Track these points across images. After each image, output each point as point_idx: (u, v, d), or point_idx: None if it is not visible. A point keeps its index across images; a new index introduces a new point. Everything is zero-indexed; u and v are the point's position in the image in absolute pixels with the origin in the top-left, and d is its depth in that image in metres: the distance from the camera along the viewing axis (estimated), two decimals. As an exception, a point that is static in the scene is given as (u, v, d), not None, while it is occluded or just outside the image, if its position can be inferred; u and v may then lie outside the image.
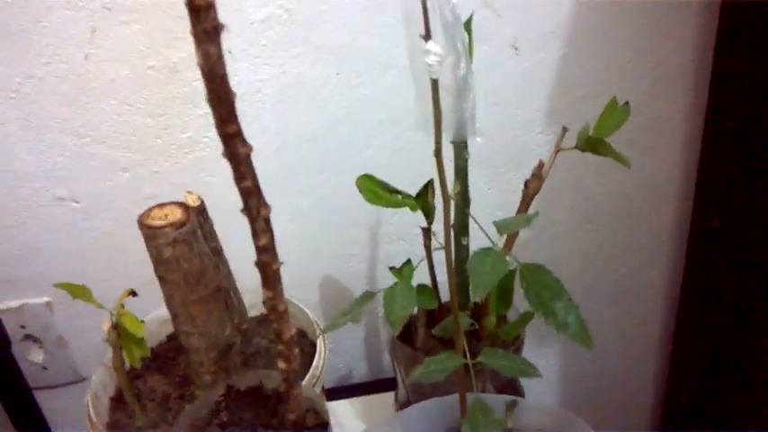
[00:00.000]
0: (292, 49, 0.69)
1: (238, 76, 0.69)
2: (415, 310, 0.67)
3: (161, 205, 0.50)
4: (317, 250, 0.80)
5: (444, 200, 0.42)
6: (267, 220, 0.31)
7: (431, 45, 0.38)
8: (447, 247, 0.44)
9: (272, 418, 0.46)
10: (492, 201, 0.80)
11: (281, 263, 0.34)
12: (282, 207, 0.77)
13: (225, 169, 0.78)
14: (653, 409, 1.03)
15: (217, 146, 0.72)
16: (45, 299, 0.79)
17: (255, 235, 0.32)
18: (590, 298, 0.90)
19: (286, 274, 0.83)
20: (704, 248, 0.80)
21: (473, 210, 0.80)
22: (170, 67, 0.69)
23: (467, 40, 0.44)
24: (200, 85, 0.74)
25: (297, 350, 0.38)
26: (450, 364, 0.43)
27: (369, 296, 0.48)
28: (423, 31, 0.38)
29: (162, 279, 0.50)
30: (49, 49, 0.66)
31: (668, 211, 0.85)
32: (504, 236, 0.58)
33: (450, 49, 0.38)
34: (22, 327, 0.79)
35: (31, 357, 0.82)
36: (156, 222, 0.48)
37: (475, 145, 0.76)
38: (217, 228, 0.73)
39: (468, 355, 0.44)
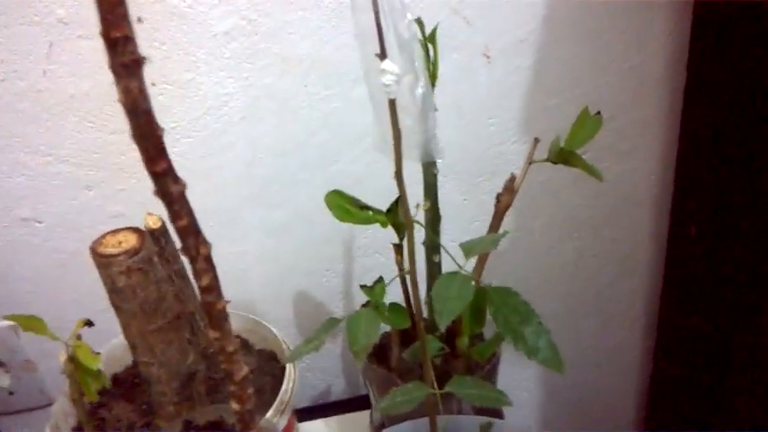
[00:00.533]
0: (258, 61, 0.67)
1: (203, 90, 0.67)
2: (389, 328, 0.66)
3: (115, 231, 0.48)
4: (291, 266, 0.78)
5: (407, 224, 0.40)
6: (208, 259, 0.29)
7: (386, 64, 0.36)
8: (412, 272, 0.42)
9: (234, 453, 0.44)
10: (468, 212, 0.78)
11: (228, 301, 0.32)
12: (256, 222, 0.75)
13: (194, 185, 0.76)
14: (635, 418, 1.01)
15: (183, 161, 0.71)
16: (10, 322, 0.76)
17: (197, 275, 0.30)
18: (571, 308, 0.89)
19: (260, 293, 0.81)
20: (683, 256, 0.79)
21: (449, 221, 0.78)
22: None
23: (425, 56, 0.42)
24: (164, 100, 0.71)
25: (251, 390, 0.36)
26: (417, 394, 0.42)
27: (332, 323, 0.46)
28: (378, 50, 0.36)
29: (117, 308, 0.48)
30: (4, 66, 0.63)
31: (646, 219, 0.83)
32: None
33: (408, 67, 0.37)
34: (-13, 351, 0.77)
35: (-2, 382, 0.79)
36: (109, 250, 0.46)
37: (449, 156, 0.75)
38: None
39: (435, 385, 0.42)
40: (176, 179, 0.26)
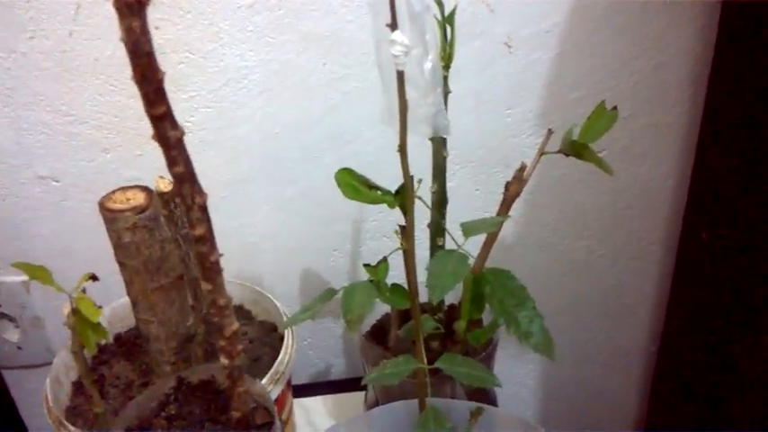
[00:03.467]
0: (280, 36, 0.67)
1: (224, 62, 0.68)
2: (390, 309, 0.66)
3: (124, 189, 0.49)
4: (300, 243, 0.79)
5: (408, 199, 0.41)
6: (203, 209, 0.30)
7: (396, 35, 0.36)
8: (410, 248, 0.42)
9: (222, 413, 0.45)
10: (480, 202, 0.78)
11: (221, 254, 0.32)
12: (268, 196, 0.76)
13: (209, 155, 0.77)
14: (635, 419, 1.00)
15: (200, 131, 0.71)
16: (22, 278, 0.78)
17: (191, 224, 0.30)
18: (577, 305, 0.88)
19: (268, 267, 0.82)
20: (693, 261, 0.78)
21: (459, 210, 0.78)
22: (155, 48, 0.67)
23: (442, 37, 0.42)
24: (185, 68, 0.72)
25: (240, 346, 0.36)
26: (405, 367, 0.42)
27: (329, 293, 0.47)
28: (389, 21, 0.36)
29: (122, 264, 0.49)
30: (32, 24, 0.65)
31: (659, 222, 0.82)
32: (484, 237, 0.57)
33: (418, 40, 0.37)
34: (-2, 304, 0.79)
35: (6, 336, 0.81)
36: (117, 206, 0.47)
37: (464, 144, 0.75)
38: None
39: (425, 361, 0.43)
40: (175, 125, 0.27)
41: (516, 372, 0.93)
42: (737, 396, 0.72)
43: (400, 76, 0.37)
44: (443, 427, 0.40)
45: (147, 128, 0.72)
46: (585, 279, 0.85)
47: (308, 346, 0.85)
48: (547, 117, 0.73)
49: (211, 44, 0.67)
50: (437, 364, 0.43)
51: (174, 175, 0.28)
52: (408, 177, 0.40)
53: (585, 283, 0.86)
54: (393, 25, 0.36)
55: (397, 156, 0.72)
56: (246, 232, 0.77)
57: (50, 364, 0.83)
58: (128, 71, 0.71)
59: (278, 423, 0.43)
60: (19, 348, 0.82)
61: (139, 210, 0.47)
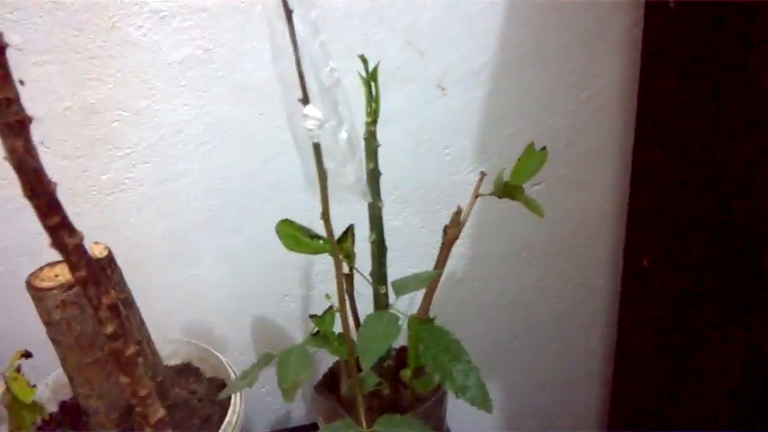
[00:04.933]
0: (213, 89, 0.67)
1: (159, 117, 0.68)
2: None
3: (52, 264, 0.48)
4: (249, 291, 0.78)
5: (335, 260, 0.41)
6: (112, 308, 0.29)
7: (309, 109, 0.37)
8: (342, 309, 0.42)
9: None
10: (426, 238, 0.79)
11: (138, 347, 0.32)
12: (212, 247, 0.75)
13: (150, 210, 0.75)
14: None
15: (139, 186, 0.71)
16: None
17: (101, 323, 0.30)
18: (532, 331, 0.89)
19: (219, 316, 0.81)
20: (637, 285, 0.80)
21: (409, 247, 0.79)
22: (87, 108, 0.67)
23: (368, 94, 0.43)
24: (119, 126, 0.71)
25: (168, 430, 0.36)
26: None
27: (266, 359, 0.46)
28: (300, 95, 0.37)
29: (54, 341, 0.48)
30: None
31: (601, 248, 0.84)
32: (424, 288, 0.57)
33: (330, 113, 0.37)
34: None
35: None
36: (45, 284, 0.46)
37: (408, 184, 0.76)
38: (140, 269, 0.71)
39: (364, 424, 0.43)
40: (72, 231, 0.27)
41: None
42: (695, 411, 0.73)
43: (316, 148, 0.38)
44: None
45: (83, 187, 0.71)
46: (536, 306, 0.87)
47: (265, 393, 0.85)
48: (485, 153, 0.75)
49: (145, 101, 0.67)
50: (375, 427, 0.43)
51: (77, 280, 0.28)
52: (334, 243, 0.40)
53: (536, 309, 0.87)
54: (305, 100, 0.37)
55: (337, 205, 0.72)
56: (194, 283, 0.76)
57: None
58: (61, 132, 0.70)
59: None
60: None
61: (68, 287, 0.46)
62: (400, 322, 0.41)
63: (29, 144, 0.24)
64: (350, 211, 0.57)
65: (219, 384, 0.65)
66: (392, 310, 0.44)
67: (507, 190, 0.57)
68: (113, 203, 0.71)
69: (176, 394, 0.64)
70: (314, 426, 0.84)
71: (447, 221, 0.59)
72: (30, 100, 0.66)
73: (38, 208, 0.25)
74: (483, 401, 0.42)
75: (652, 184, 0.74)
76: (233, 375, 0.63)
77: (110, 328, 0.30)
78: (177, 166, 0.70)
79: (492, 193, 0.58)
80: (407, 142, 0.73)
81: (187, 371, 0.68)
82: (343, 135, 0.37)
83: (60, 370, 0.65)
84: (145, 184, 0.71)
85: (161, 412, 0.35)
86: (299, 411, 0.87)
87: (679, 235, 0.70)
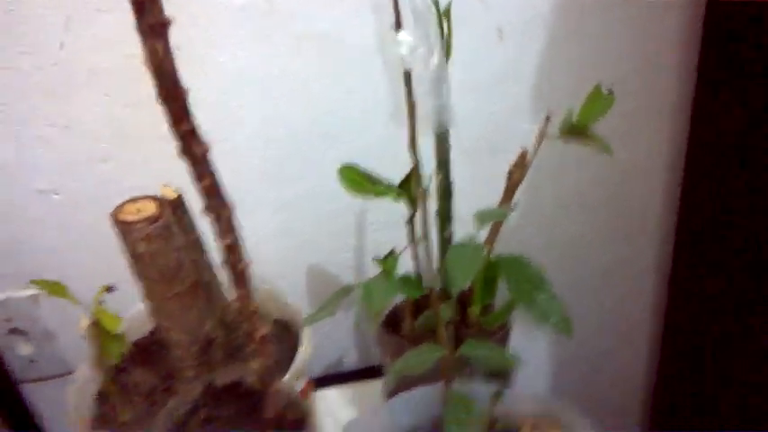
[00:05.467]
0: (275, 37, 0.67)
1: (219, 65, 0.68)
2: (402, 299, 0.67)
3: (134, 200, 0.49)
4: (303, 242, 0.80)
5: (419, 193, 0.41)
6: (230, 220, 0.30)
7: (402, 35, 0.37)
8: (426, 239, 0.43)
9: (253, 413, 0.46)
10: (477, 190, 0.78)
11: (250, 261, 0.33)
12: (272, 198, 0.76)
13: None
14: (644, 395, 1.03)
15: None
16: (30, 292, 0.78)
17: (220, 235, 0.31)
18: (579, 286, 0.90)
19: (273, 267, 0.83)
20: (691, 240, 0.80)
21: (458, 198, 0.79)
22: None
23: (440, 30, 0.43)
24: (182, 74, 0.72)
25: (271, 348, 0.37)
26: (430, 356, 0.43)
27: (346, 290, 0.47)
28: (393, 21, 0.37)
29: (138, 275, 0.49)
30: (24, 38, 0.64)
31: (655, 201, 0.84)
32: (489, 225, 0.58)
33: (423, 39, 0.37)
34: (8, 320, 0.79)
35: (18, 351, 0.81)
36: (130, 218, 0.47)
37: (461, 134, 0.76)
38: (199, 220, 0.73)
39: (449, 348, 0.44)
40: (200, 140, 0.27)
41: (526, 350, 0.94)
42: (746, 364, 0.74)
43: (407, 75, 0.38)
44: (470, 412, 0.42)
45: (144, 136, 0.72)
46: (586, 256, 0.87)
47: (319, 340, 0.86)
48: (539, 103, 0.74)
49: (207, 48, 0.67)
50: (461, 351, 0.44)
51: (202, 189, 0.29)
52: (419, 173, 0.41)
53: (586, 260, 0.87)
54: (398, 25, 0.37)
55: (398, 148, 0.73)
56: (251, 234, 0.77)
57: (65, 375, 0.84)
58: (123, 80, 0.71)
59: (312, 418, 0.44)
60: (32, 362, 0.82)
61: (152, 220, 0.47)
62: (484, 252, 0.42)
63: (168, 47, 0.24)
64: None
65: (284, 325, 0.67)
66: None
67: (575, 131, 0.57)
68: (174, 154, 0.72)
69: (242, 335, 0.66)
70: (367, 370, 0.86)
71: (498, 171, 0.59)
72: (91, 48, 0.67)
73: (172, 113, 0.26)
74: (565, 327, 0.43)
75: (711, 139, 0.73)
76: (297, 315, 0.64)
77: (227, 240, 0.31)
78: (237, 115, 0.71)
79: (559, 136, 0.58)
80: (464, 89, 0.72)
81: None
82: (434, 61, 0.37)
83: (131, 311, 0.67)
84: (204, 133, 0.72)
85: (266, 328, 0.36)
86: (350, 358, 0.89)
87: (739, 187, 0.70)
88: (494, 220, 0.48)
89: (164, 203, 0.49)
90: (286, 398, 0.43)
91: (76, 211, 0.74)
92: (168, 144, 0.71)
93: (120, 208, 0.48)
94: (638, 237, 0.87)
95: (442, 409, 0.42)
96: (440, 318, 0.43)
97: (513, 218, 0.82)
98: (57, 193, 0.73)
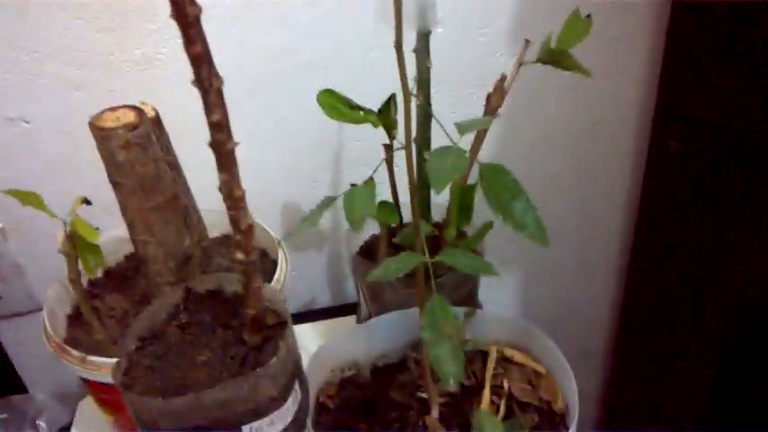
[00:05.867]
0: (248, -39, 0.66)
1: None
2: (378, 231, 0.68)
3: (113, 108, 0.48)
4: (278, 176, 0.79)
5: (404, 88, 0.41)
6: (220, 93, 0.30)
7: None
8: (407, 143, 0.43)
9: (232, 318, 0.46)
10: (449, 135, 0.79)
11: (237, 143, 0.33)
12: (244, 130, 0.75)
13: (182, 87, 0.75)
14: (608, 333, 1.06)
15: (174, 62, 0.70)
16: (-2, 224, 0.77)
17: (208, 109, 0.31)
18: (550, 220, 0.91)
19: (250, 198, 0.82)
20: (662, 171, 0.82)
21: (436, 133, 0.80)
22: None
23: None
24: (153, -3, 0.70)
25: (254, 241, 0.37)
26: (409, 262, 0.44)
27: (329, 200, 0.48)
28: None
29: (116, 185, 0.48)
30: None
31: (628, 133, 0.86)
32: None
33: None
34: (-25, 254, 0.77)
35: (-15, 285, 0.80)
36: (109, 124, 0.47)
37: (438, 67, 0.76)
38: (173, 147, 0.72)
39: (427, 254, 0.44)
40: (193, 1, 0.27)
41: (494, 293, 0.96)
42: (708, 306, 0.76)
43: (394, -30, 0.38)
44: (449, 316, 0.42)
45: (116, 63, 0.71)
46: (558, 194, 0.89)
47: (292, 278, 0.87)
48: (519, 36, 0.75)
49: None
50: (439, 257, 0.44)
51: (192, 56, 0.28)
52: (404, 74, 0.41)
53: (558, 197, 0.89)
54: None
55: (378, 78, 0.73)
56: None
57: (34, 311, 0.83)
58: (95, 3, 0.69)
59: (290, 323, 0.44)
60: (0, 297, 0.81)
61: (131, 127, 0.47)
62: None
63: None
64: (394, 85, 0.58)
65: (260, 253, 0.67)
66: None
67: (554, 55, 0.57)
68: (147, 80, 0.71)
69: (218, 263, 0.66)
70: (339, 307, 0.87)
71: (477, 105, 0.60)
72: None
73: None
74: (540, 236, 0.44)
75: (684, 70, 0.75)
76: (275, 241, 0.64)
77: (216, 116, 0.30)
78: (211, 41, 0.69)
79: (537, 60, 0.58)
80: (441, 23, 0.72)
81: (227, 242, 0.69)
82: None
83: (103, 237, 0.67)
84: (179, 60, 0.70)
85: (250, 218, 0.36)
86: (323, 296, 0.90)
87: (707, 119, 0.72)
88: (475, 128, 0.49)
89: (143, 112, 0.48)
90: (266, 301, 0.43)
91: (49, 140, 0.72)
92: (142, 71, 0.70)
93: (98, 116, 0.48)
94: (613, 170, 0.89)
95: (420, 318, 0.43)
96: (419, 226, 0.44)
97: (486, 153, 0.83)
98: (26, 122, 0.71)
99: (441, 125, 0.46)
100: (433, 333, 0.43)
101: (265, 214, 0.81)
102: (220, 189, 0.34)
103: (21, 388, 0.87)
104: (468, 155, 0.42)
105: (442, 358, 0.42)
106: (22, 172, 0.73)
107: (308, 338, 0.77)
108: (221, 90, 0.30)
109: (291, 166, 0.79)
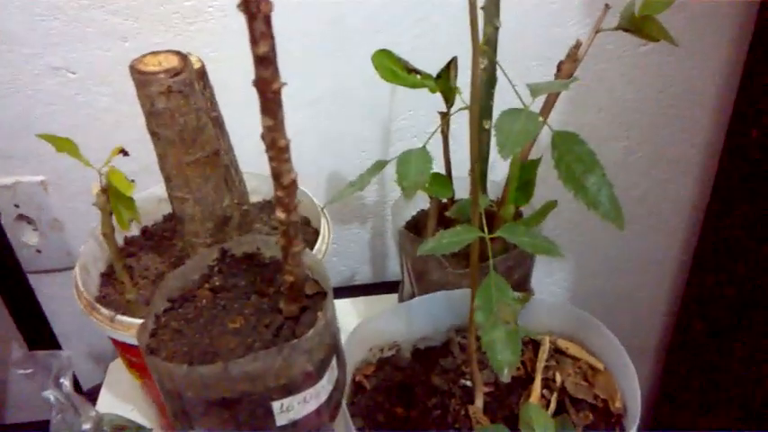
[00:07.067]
0: None
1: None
2: (427, 205, 0.63)
3: (156, 53, 0.45)
4: (326, 144, 0.76)
5: (474, 48, 0.37)
6: (268, 20, 0.26)
7: None
8: (473, 103, 0.39)
9: (269, 286, 0.42)
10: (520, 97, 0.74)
11: (284, 83, 0.29)
12: (295, 95, 0.72)
13: (231, 44, 0.71)
14: (663, 329, 1.00)
15: (223, 17, 0.67)
16: (39, 177, 0.75)
17: (254, 41, 0.27)
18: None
19: (297, 163, 0.79)
20: (739, 163, 0.75)
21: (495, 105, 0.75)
22: None
23: None
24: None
25: (297, 200, 0.33)
26: (466, 236, 0.39)
27: (380, 164, 0.43)
28: None
29: (154, 135, 0.45)
30: None
31: (703, 122, 0.79)
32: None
33: None
34: (16, 206, 0.76)
35: (25, 239, 0.79)
36: (150, 68, 0.43)
37: (503, 36, 0.71)
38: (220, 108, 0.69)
39: (485, 229, 0.40)
40: None
41: (545, 281, 0.91)
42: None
43: None
44: (507, 297, 0.38)
45: (166, 14, 0.68)
46: (621, 182, 0.83)
47: (332, 252, 0.83)
48: (590, 6, 0.69)
49: None
50: (499, 233, 0.40)
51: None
52: (476, 24, 0.36)
53: (621, 186, 0.83)
54: None
55: (432, 46, 0.68)
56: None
57: (70, 269, 0.82)
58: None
59: (330, 294, 0.40)
60: (38, 252, 0.80)
61: (174, 72, 0.43)
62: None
63: None
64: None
65: (303, 221, 0.64)
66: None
67: (636, 23, 0.52)
68: (195, 34, 0.68)
69: (258, 229, 0.63)
70: (380, 284, 0.84)
71: (540, 78, 0.55)
72: None
73: None
74: (616, 216, 0.39)
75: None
76: (318, 209, 0.61)
77: (262, 48, 0.27)
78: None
79: (617, 27, 0.53)
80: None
81: (269, 207, 0.66)
82: None
83: (141, 195, 0.64)
84: (229, 15, 0.67)
85: (294, 174, 0.32)
86: (364, 273, 0.86)
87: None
88: (550, 90, 0.44)
89: (187, 59, 0.45)
90: (306, 269, 0.40)
91: (92, 92, 0.70)
92: (190, 24, 0.67)
93: (140, 59, 0.44)
94: (682, 161, 0.83)
95: (472, 300, 0.38)
96: (477, 197, 0.39)
97: (547, 133, 0.78)
98: (72, 72, 0.69)
99: (512, 86, 0.41)
100: (487, 316, 0.39)
101: (309, 183, 0.78)
102: (263, 137, 0.30)
103: (55, 345, 0.86)
104: (540, 119, 0.37)
105: (497, 344, 0.38)
106: (65, 124, 0.71)
107: (347, 314, 0.74)
108: (269, 17, 0.26)
109: (342, 135, 0.75)
